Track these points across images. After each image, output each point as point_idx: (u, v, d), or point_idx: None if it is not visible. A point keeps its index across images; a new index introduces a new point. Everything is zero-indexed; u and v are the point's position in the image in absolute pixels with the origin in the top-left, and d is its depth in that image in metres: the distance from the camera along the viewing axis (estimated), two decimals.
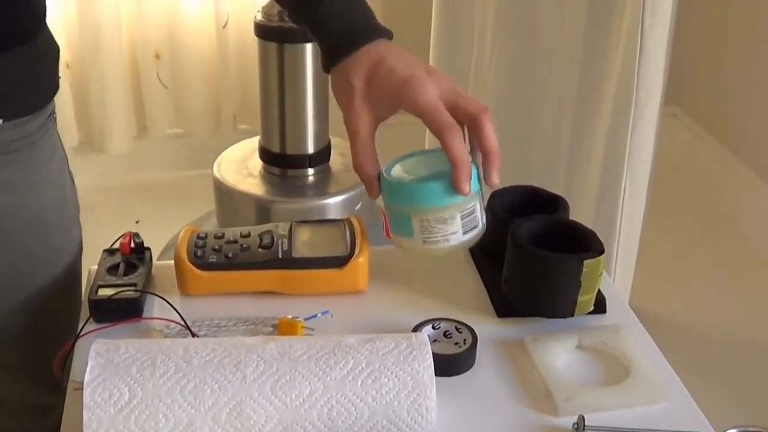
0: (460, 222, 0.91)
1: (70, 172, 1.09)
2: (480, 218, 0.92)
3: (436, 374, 0.75)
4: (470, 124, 0.89)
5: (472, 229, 0.92)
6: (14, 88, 0.94)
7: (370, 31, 0.93)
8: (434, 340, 0.90)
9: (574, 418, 0.81)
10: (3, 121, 0.93)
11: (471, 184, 0.88)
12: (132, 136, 2.97)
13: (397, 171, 0.93)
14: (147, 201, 2.90)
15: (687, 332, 2.32)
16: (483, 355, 0.90)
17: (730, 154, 2.98)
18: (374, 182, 0.92)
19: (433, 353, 0.76)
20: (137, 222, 2.66)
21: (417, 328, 0.90)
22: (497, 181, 0.90)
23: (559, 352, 0.90)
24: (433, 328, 0.91)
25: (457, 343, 0.90)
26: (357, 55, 0.92)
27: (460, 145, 0.86)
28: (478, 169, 0.90)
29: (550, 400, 0.84)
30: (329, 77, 0.96)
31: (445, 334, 0.91)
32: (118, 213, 2.76)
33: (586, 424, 0.80)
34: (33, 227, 1.01)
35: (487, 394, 0.86)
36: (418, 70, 0.90)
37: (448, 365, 0.85)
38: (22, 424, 1.17)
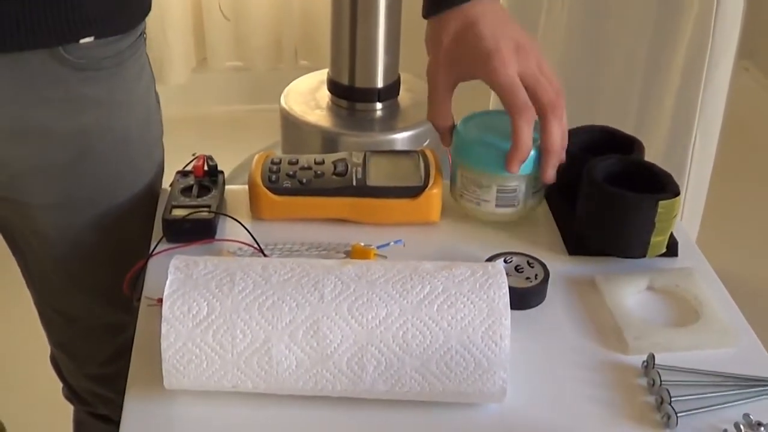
0: (495, 194, 0.97)
1: (156, 94, 1.12)
2: (522, 200, 0.98)
3: None
4: (539, 114, 0.92)
5: (507, 206, 0.98)
6: (108, 8, 0.96)
7: None
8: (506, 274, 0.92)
9: (644, 357, 0.83)
10: (94, 39, 0.95)
11: (519, 167, 0.93)
12: (191, 67, 3.00)
13: (471, 125, 0.99)
14: (203, 133, 2.93)
15: (750, 286, 2.31)
16: (553, 291, 0.92)
17: None
18: (446, 133, 0.99)
19: None
20: (193, 154, 2.70)
21: (489, 261, 0.92)
22: (551, 177, 0.95)
23: (630, 292, 0.92)
24: (505, 261, 0.93)
25: (528, 278, 0.92)
26: (453, 13, 0.94)
27: (526, 130, 0.91)
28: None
29: (620, 338, 0.86)
30: (427, 25, 0.98)
31: (517, 269, 0.93)
32: (174, 144, 2.78)
33: (656, 362, 0.82)
34: (118, 146, 1.03)
35: (557, 329, 0.88)
36: (505, 43, 0.92)
37: (519, 298, 0.87)
38: (90, 343, 1.21)
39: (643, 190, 0.93)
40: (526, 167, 0.95)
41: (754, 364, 0.84)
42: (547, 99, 0.92)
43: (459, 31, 0.94)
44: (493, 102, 1.78)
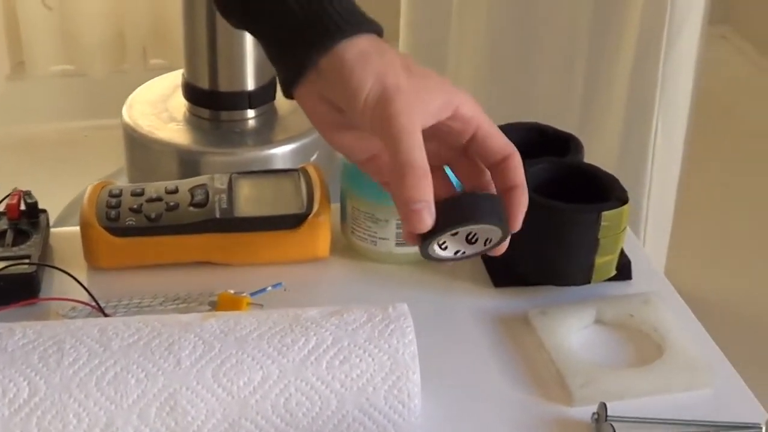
0: (395, 230, 1.01)
1: None
2: None
3: None
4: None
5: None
6: None
7: (353, 22, 0.85)
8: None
9: (593, 407, 0.85)
10: None
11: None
12: (4, 74, 2.97)
13: None
14: (26, 161, 2.89)
15: (734, 310, 2.36)
16: (478, 333, 0.95)
17: None
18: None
19: None
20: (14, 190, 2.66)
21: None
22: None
23: (573, 328, 0.95)
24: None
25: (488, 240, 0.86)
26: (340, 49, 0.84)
27: None
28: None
29: (562, 386, 0.88)
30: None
31: (469, 239, 0.87)
32: None
33: (608, 414, 0.84)
34: None
35: (482, 379, 0.90)
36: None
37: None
38: None
39: (583, 199, 0.96)
40: None
41: (735, 407, 0.87)
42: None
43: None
44: None
